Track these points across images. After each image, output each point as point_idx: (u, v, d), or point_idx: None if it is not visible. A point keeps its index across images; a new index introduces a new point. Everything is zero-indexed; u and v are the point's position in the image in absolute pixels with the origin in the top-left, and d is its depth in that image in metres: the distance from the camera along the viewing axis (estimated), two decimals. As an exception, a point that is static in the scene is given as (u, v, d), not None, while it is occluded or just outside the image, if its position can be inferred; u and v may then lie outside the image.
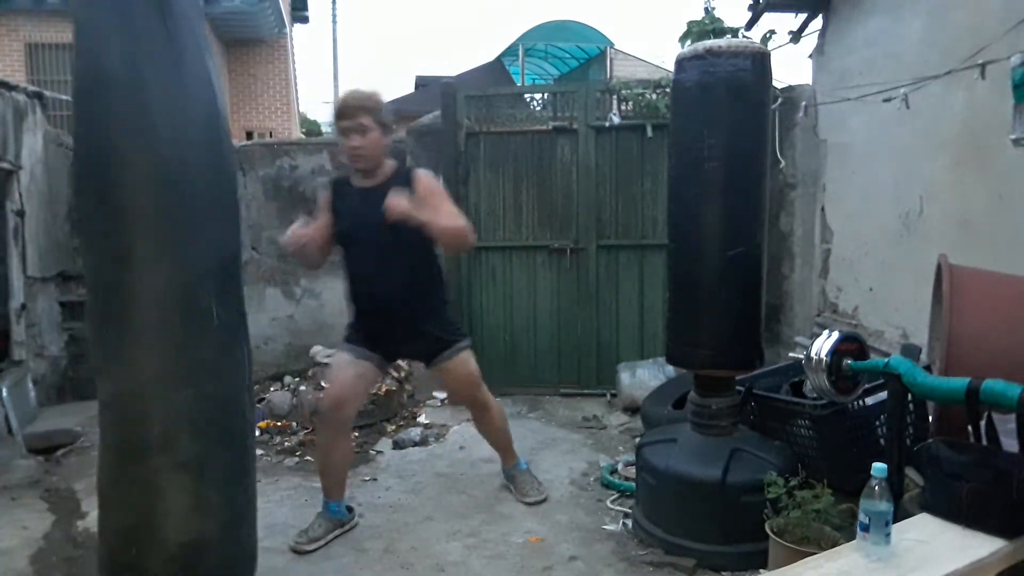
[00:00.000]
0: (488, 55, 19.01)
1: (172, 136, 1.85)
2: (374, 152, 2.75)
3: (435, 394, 4.67)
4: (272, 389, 4.64)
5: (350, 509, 3.00)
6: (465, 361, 2.95)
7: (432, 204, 2.70)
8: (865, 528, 1.53)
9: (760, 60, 2.58)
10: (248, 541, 2.06)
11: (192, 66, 1.88)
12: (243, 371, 2.01)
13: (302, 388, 4.38)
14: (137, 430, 1.88)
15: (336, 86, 20.77)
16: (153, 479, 1.88)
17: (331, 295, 5.11)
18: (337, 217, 2.86)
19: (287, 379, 4.77)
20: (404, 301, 2.80)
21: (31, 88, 4.39)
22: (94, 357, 1.97)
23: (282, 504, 3.20)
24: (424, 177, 2.81)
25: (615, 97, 4.63)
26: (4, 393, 3.68)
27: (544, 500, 3.15)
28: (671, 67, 2.82)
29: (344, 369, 2.84)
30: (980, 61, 2.56)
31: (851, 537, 1.64)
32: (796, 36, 4.40)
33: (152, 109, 1.83)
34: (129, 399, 1.88)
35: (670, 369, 4.12)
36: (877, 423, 2.51)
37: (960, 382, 1.72)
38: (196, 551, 1.89)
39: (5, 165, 3.97)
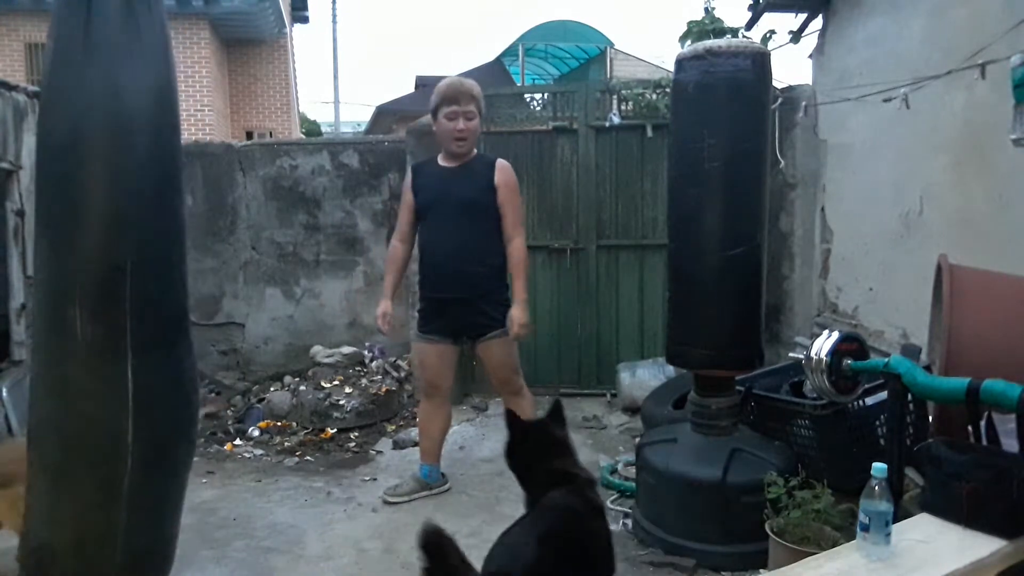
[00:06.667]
0: (488, 55, 19.02)
1: (64, 137, 1.80)
2: (473, 138, 3.11)
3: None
4: (272, 389, 4.64)
5: (443, 475, 3.30)
6: (507, 343, 3.10)
7: (506, 200, 3.05)
8: (865, 528, 1.53)
9: (760, 60, 2.58)
10: (104, 569, 1.93)
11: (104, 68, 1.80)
12: (118, 394, 1.85)
13: (302, 388, 4.38)
14: (28, 426, 1.96)
15: (336, 86, 20.80)
16: (30, 477, 1.93)
17: (331, 295, 5.11)
18: (418, 193, 3.15)
19: (287, 379, 4.77)
20: (466, 275, 3.03)
21: (31, 88, 4.38)
22: None
23: (282, 504, 3.20)
24: (505, 169, 3.11)
25: (615, 97, 4.63)
26: (4, 393, 3.68)
27: None
28: (671, 67, 2.82)
29: (427, 356, 3.21)
30: (980, 61, 2.56)
31: (851, 537, 1.64)
32: (796, 36, 4.39)
33: (51, 109, 1.82)
34: (29, 395, 1.96)
35: (670, 369, 4.12)
36: (877, 423, 2.51)
37: (960, 382, 1.72)
38: (43, 557, 1.89)
39: (5, 165, 3.97)
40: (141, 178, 1.87)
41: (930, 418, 2.19)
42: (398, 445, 3.93)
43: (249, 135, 11.76)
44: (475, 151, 3.18)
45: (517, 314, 3.00)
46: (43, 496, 1.90)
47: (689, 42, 4.43)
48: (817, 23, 4.28)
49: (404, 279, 4.90)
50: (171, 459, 2.02)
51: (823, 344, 2.04)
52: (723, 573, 2.52)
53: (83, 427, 1.85)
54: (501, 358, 3.12)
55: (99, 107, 1.80)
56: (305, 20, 15.14)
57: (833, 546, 1.84)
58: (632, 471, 3.15)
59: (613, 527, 2.92)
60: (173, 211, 2.00)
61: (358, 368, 4.69)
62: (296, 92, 13.92)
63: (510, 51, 13.01)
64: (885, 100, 3.22)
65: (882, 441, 2.41)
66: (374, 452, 3.88)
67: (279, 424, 4.21)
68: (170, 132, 1.97)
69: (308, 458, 3.80)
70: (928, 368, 2.11)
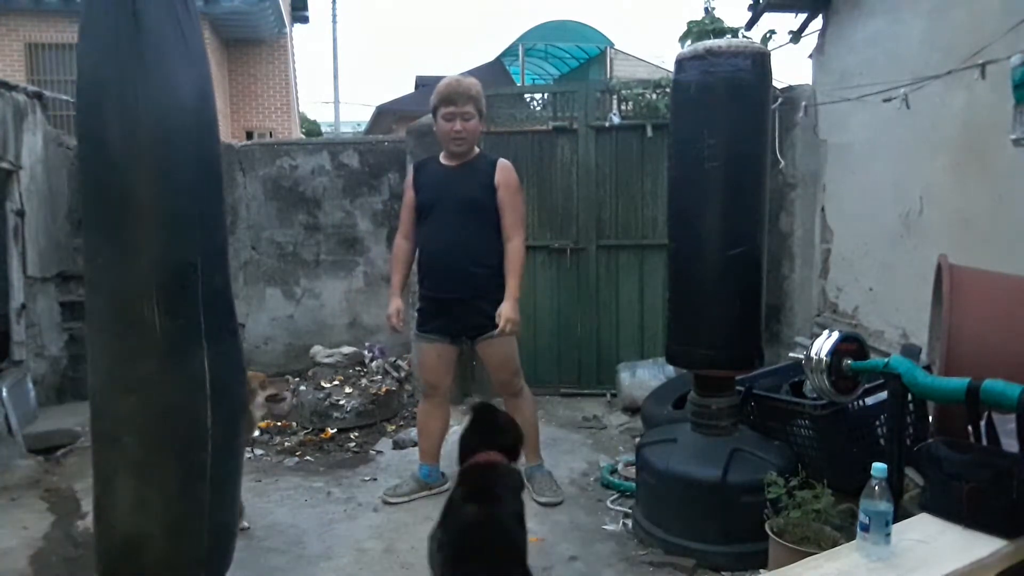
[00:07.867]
0: (488, 55, 19.02)
1: (121, 142, 1.83)
2: (472, 138, 3.09)
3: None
4: (272, 389, 4.64)
5: (443, 475, 3.26)
6: (507, 343, 3.09)
7: (506, 200, 3.03)
8: (865, 528, 1.53)
9: (760, 60, 2.59)
10: (194, 546, 2.04)
11: (158, 73, 1.84)
12: (196, 382, 1.95)
13: (302, 388, 4.38)
14: (96, 427, 2.00)
15: (336, 86, 20.82)
16: (106, 474, 1.98)
17: (331, 295, 5.11)
18: (419, 191, 3.15)
19: (287, 379, 4.77)
20: (465, 274, 3.02)
21: (31, 88, 4.39)
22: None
23: (282, 504, 3.20)
24: (506, 169, 3.09)
25: (615, 97, 4.63)
26: (4, 393, 3.68)
27: (559, 503, 3.13)
28: (671, 67, 2.82)
29: (426, 355, 3.21)
30: (980, 61, 2.56)
31: (851, 537, 1.64)
32: (796, 36, 4.39)
33: (107, 114, 1.83)
34: (93, 397, 1.99)
35: (670, 369, 4.12)
36: (877, 423, 2.51)
37: (960, 382, 1.72)
38: (137, 548, 1.98)
39: (5, 165, 3.97)
40: (200, 174, 1.97)
41: (930, 418, 2.19)
42: (398, 445, 3.93)
43: (249, 135, 11.75)
44: (477, 150, 3.17)
45: (506, 310, 2.96)
46: (126, 492, 1.96)
47: (689, 42, 4.43)
48: (817, 23, 4.29)
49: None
50: (238, 439, 2.19)
51: (823, 344, 2.04)
52: (723, 573, 2.52)
53: (166, 419, 1.94)
54: (501, 359, 3.12)
55: (160, 106, 1.84)
56: (305, 20, 15.11)
57: (833, 546, 1.85)
58: (632, 471, 3.15)
59: (613, 527, 2.93)
60: (222, 204, 2.13)
61: (358, 368, 4.69)
62: (296, 92, 13.90)
63: (510, 51, 13.00)
64: (885, 100, 3.22)
65: (882, 441, 2.41)
66: (374, 452, 3.88)
67: (279, 424, 4.21)
68: (216, 126, 2.07)
69: (308, 458, 3.80)
70: (928, 368, 2.11)
